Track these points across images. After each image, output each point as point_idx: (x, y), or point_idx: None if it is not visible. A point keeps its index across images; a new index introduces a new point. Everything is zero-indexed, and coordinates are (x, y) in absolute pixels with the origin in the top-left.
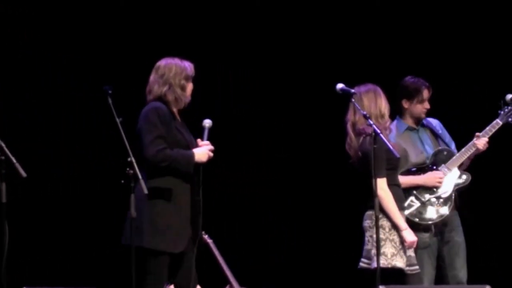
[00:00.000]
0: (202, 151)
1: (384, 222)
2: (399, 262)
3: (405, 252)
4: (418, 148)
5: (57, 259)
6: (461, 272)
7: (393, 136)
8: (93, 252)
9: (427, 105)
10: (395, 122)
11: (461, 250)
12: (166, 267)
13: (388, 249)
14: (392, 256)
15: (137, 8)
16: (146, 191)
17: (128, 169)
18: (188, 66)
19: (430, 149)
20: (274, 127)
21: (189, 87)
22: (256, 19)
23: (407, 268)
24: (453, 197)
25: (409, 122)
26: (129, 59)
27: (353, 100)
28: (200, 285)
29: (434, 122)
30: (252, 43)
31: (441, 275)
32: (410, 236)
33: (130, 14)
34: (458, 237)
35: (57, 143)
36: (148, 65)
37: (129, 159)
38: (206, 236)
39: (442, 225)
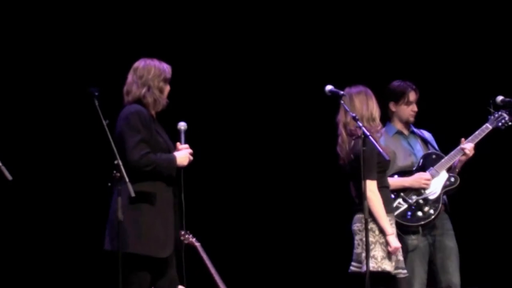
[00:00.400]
0: (183, 154)
1: (373, 225)
2: (388, 266)
3: (394, 256)
4: (407, 151)
5: (41, 263)
6: (455, 276)
7: (383, 139)
8: (78, 257)
9: (414, 108)
10: (385, 127)
11: (453, 254)
12: (151, 272)
13: (378, 252)
14: (382, 259)
15: (123, 9)
16: (133, 194)
17: (115, 172)
18: (166, 68)
19: (419, 154)
20: (264, 129)
21: (167, 89)
22: (247, 21)
23: (395, 271)
24: (441, 199)
25: (398, 126)
26: (114, 61)
27: (342, 102)
28: None
29: (426, 134)
30: (244, 44)
31: (434, 280)
32: (394, 242)
33: (115, 15)
34: (449, 242)
35: (44, 146)
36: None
37: (116, 162)
38: (194, 239)
39: (432, 228)
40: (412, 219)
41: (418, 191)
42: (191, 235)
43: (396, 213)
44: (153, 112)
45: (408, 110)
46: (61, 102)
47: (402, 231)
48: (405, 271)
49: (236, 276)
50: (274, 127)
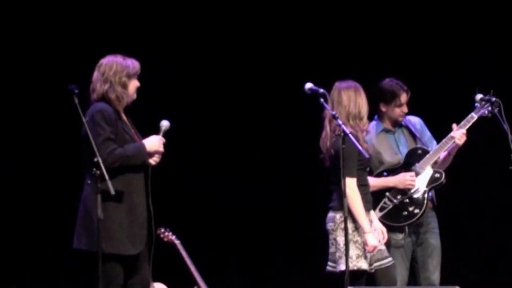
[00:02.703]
0: (153, 140)
1: (347, 224)
2: (364, 264)
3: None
4: (393, 150)
5: (14, 261)
6: (434, 274)
7: (370, 138)
8: (52, 255)
9: (405, 109)
10: (373, 122)
11: (435, 252)
12: (120, 270)
13: (352, 251)
14: (357, 258)
15: (104, 7)
16: (113, 192)
17: (94, 169)
18: (131, 64)
19: (405, 150)
20: (243, 124)
21: (132, 84)
22: (232, 19)
23: (377, 264)
24: (426, 196)
25: (386, 124)
26: (95, 58)
27: (321, 100)
28: (167, 286)
29: (415, 120)
30: (224, 43)
31: (414, 277)
32: (372, 240)
33: (97, 13)
34: (433, 239)
35: (23, 143)
36: None
37: (95, 159)
38: (173, 237)
39: (417, 226)
40: (398, 219)
41: (403, 190)
42: (170, 233)
43: (382, 213)
44: (119, 109)
45: (398, 111)
46: (41, 100)
47: (388, 229)
48: (388, 259)
49: (216, 274)
50: (254, 123)
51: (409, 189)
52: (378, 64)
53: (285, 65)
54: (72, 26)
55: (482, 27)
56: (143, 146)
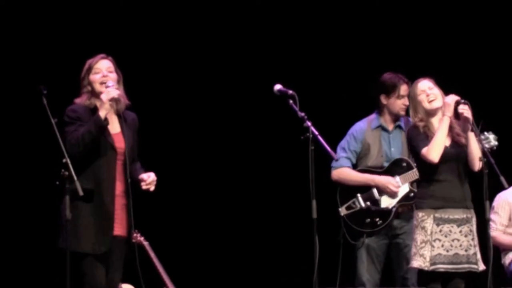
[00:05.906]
0: (103, 100)
1: (426, 224)
2: (416, 262)
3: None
4: (381, 150)
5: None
6: (409, 274)
7: (363, 129)
8: (27, 255)
9: (406, 101)
10: (373, 115)
11: (410, 252)
12: (96, 267)
13: (427, 252)
14: (413, 255)
15: (73, 8)
16: (81, 193)
17: (63, 170)
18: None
19: (396, 152)
20: (218, 126)
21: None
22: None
23: (448, 267)
24: (393, 211)
25: (386, 119)
26: (64, 59)
27: (290, 102)
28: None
29: None
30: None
31: (392, 277)
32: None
33: (66, 13)
34: (408, 241)
35: (20, 143)
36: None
37: (64, 160)
38: (142, 238)
39: (391, 228)
40: (359, 223)
41: (374, 198)
42: (139, 234)
43: (347, 212)
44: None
45: (399, 103)
46: (9, 100)
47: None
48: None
49: (184, 275)
50: (254, 123)
51: (388, 195)
52: (378, 64)
53: (285, 66)
54: (72, 27)
55: (482, 27)
56: (96, 117)
